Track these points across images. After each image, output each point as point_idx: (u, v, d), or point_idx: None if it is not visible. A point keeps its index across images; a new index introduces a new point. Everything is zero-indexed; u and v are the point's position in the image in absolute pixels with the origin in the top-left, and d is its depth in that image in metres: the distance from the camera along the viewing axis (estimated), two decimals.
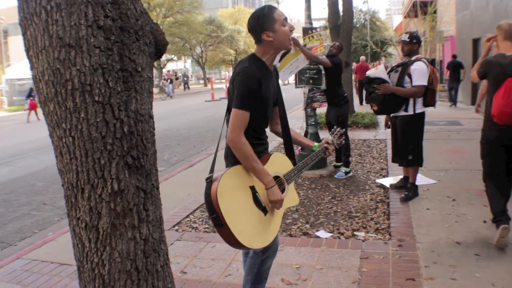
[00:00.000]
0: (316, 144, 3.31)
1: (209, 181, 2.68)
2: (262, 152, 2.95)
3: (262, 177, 2.79)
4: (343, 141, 3.57)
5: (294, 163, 3.15)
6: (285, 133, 3.16)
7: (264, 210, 2.81)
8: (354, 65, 20.99)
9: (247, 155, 2.74)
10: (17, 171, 9.86)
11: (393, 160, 6.33)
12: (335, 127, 3.68)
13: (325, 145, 3.32)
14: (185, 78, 52.72)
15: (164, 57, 45.77)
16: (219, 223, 2.59)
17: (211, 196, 2.60)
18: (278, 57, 6.70)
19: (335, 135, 3.52)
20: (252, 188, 2.80)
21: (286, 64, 7.14)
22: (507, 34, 4.40)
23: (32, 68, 1.96)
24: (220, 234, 2.68)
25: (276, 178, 2.97)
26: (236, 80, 2.82)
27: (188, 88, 50.19)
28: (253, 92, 2.77)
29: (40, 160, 10.82)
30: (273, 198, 2.81)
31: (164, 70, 49.79)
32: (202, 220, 5.65)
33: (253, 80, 2.77)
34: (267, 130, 3.19)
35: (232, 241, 2.64)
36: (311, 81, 7.56)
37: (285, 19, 2.85)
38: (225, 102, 3.24)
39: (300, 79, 7.65)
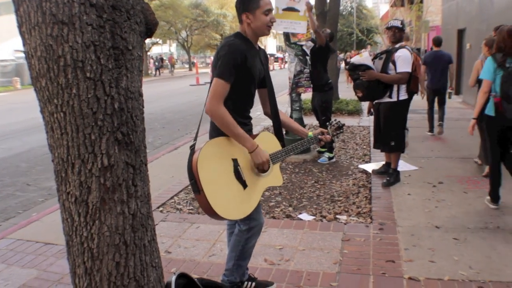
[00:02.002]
0: (310, 133, 3.34)
1: (193, 148, 2.79)
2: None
3: (244, 142, 2.86)
4: (340, 134, 3.61)
5: (283, 145, 3.20)
6: (274, 114, 3.21)
7: (244, 184, 2.87)
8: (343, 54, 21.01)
9: (227, 122, 2.80)
10: (1, 152, 9.78)
11: (375, 146, 6.42)
12: (334, 119, 3.71)
13: (320, 136, 3.35)
14: (157, 63, 46.75)
15: (149, 41, 45.14)
16: (196, 189, 2.70)
17: (192, 162, 2.71)
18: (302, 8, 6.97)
19: (332, 126, 3.54)
20: (235, 161, 2.86)
21: (289, 18, 7.18)
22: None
23: (24, 44, 1.98)
24: (198, 201, 2.78)
25: None
26: (221, 51, 2.85)
27: (158, 72, 45.16)
28: (238, 64, 2.82)
29: (24, 141, 10.74)
30: (258, 160, 2.89)
31: (149, 54, 48.87)
32: (187, 201, 5.70)
33: (238, 52, 2.83)
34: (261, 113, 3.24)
35: (208, 208, 2.72)
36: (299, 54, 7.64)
37: (269, 10, 2.88)
38: None
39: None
